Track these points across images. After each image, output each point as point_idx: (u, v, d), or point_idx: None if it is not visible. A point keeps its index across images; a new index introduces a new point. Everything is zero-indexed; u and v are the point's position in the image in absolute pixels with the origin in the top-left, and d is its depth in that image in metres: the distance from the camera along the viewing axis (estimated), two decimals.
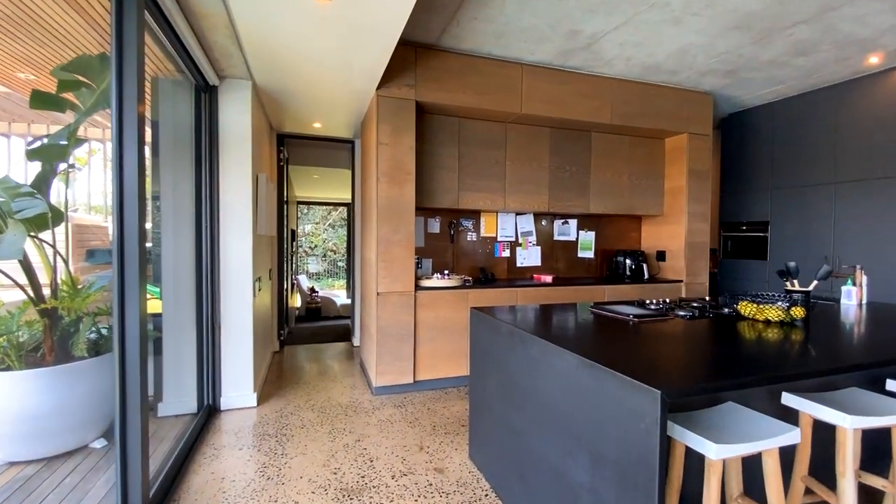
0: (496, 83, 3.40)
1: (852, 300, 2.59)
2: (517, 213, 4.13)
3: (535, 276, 4.11)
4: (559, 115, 3.59)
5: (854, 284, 2.59)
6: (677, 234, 4.19)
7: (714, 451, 1.19)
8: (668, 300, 2.55)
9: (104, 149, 2.63)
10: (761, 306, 1.99)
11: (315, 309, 7.16)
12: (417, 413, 2.91)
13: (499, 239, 4.08)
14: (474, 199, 3.64)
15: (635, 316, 2.02)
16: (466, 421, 2.78)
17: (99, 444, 2.30)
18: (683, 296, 4.11)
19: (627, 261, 4.20)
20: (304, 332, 5.76)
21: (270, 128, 4.22)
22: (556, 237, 4.29)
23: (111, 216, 1.70)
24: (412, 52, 3.16)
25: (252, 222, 3.01)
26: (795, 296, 2.21)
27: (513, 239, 4.13)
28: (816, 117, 3.99)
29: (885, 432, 1.74)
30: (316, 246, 13.76)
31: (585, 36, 3.05)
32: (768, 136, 4.41)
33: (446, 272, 3.50)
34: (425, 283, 3.37)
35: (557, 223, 4.30)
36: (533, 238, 4.20)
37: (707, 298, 2.65)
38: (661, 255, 4.39)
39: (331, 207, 13.18)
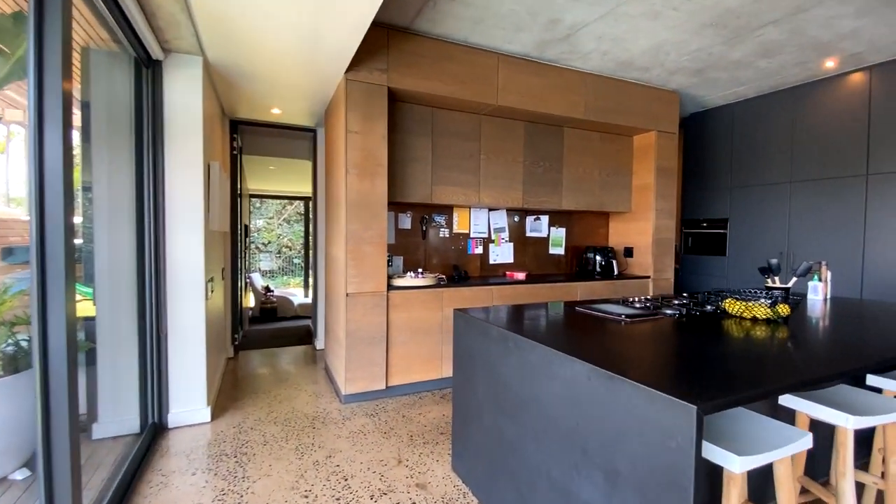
0: (472, 73, 3.24)
1: (818, 295, 2.67)
2: (490, 209, 4.01)
3: (507, 273, 4.02)
4: (534, 109, 3.49)
5: (820, 280, 2.68)
6: (645, 231, 4.24)
7: (738, 465, 1.11)
8: (648, 298, 2.51)
9: (28, 133, 2.23)
10: (749, 304, 1.97)
11: (271, 309, 6.74)
12: (392, 422, 2.73)
13: (472, 235, 3.95)
14: (448, 193, 3.48)
15: (627, 316, 1.94)
16: (445, 428, 2.63)
17: (20, 474, 1.94)
18: (651, 292, 4.17)
19: (597, 257, 4.20)
20: (260, 334, 5.38)
21: (223, 112, 3.84)
22: (528, 233, 4.22)
23: (31, 209, 1.39)
24: (384, 35, 2.94)
25: (204, 216, 2.69)
26: (775, 292, 2.23)
27: (486, 235, 4.01)
28: (774, 119, 4.16)
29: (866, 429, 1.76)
30: (270, 242, 13.09)
31: (565, 26, 2.96)
32: (728, 136, 4.56)
33: (420, 271, 3.32)
34: (398, 282, 3.17)
35: (529, 219, 4.22)
36: (506, 234, 4.10)
37: (686, 295, 2.65)
38: (628, 252, 4.43)
39: (286, 201, 12.55)
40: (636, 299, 2.43)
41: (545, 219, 4.29)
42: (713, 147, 4.70)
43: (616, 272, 4.20)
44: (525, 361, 1.57)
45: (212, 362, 2.96)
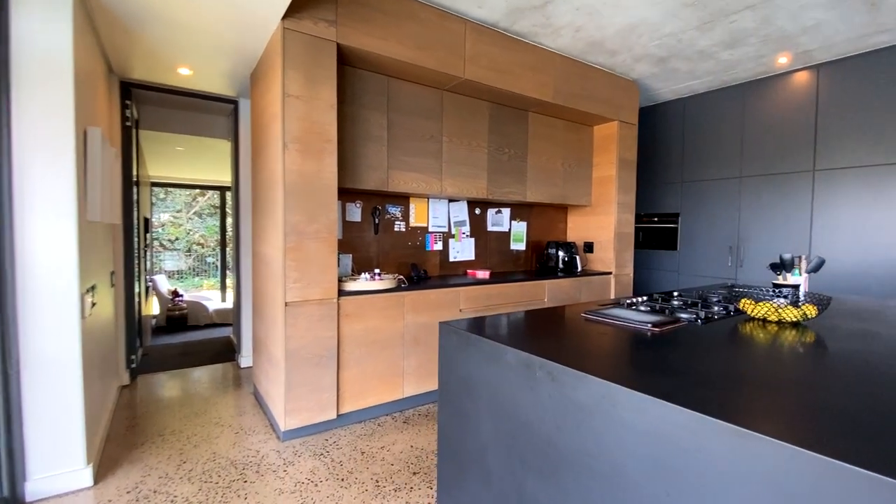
0: (437, 38, 2.76)
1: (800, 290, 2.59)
2: (450, 200, 3.57)
3: (469, 271, 3.61)
4: (504, 87, 3.10)
5: (800, 274, 2.61)
6: (606, 225, 4.07)
7: None
8: (645, 298, 2.24)
9: None
10: (780, 307, 1.74)
11: (180, 317, 5.70)
12: (349, 462, 2.18)
13: (430, 229, 3.48)
14: (407, 180, 2.97)
15: (653, 325, 1.61)
16: (418, 465, 2.15)
17: None
18: (612, 288, 4.02)
19: (560, 253, 3.95)
20: (166, 351, 4.43)
21: (109, 69, 2.96)
22: (489, 227, 3.85)
23: None
24: None
25: (76, 201, 1.92)
26: (785, 290, 2.04)
27: (445, 229, 3.56)
28: (724, 115, 4.19)
29: None
30: (177, 238, 11.46)
31: None
32: (678, 132, 4.56)
33: (376, 272, 2.78)
34: (351, 286, 2.61)
35: (491, 212, 3.85)
36: (466, 229, 3.69)
37: (676, 293, 2.42)
38: (588, 247, 4.25)
39: (197, 192, 11.05)
40: (637, 300, 2.13)
41: (507, 212, 3.94)
42: (664, 142, 4.69)
43: (580, 269, 3.99)
44: (567, 400, 1.15)
45: (94, 398, 2.19)
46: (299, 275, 2.35)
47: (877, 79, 3.28)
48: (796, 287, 2.04)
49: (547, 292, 3.52)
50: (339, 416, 2.54)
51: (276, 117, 2.39)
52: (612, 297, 4.02)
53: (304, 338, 2.37)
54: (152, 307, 5.65)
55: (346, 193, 3.03)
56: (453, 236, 3.61)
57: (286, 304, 2.32)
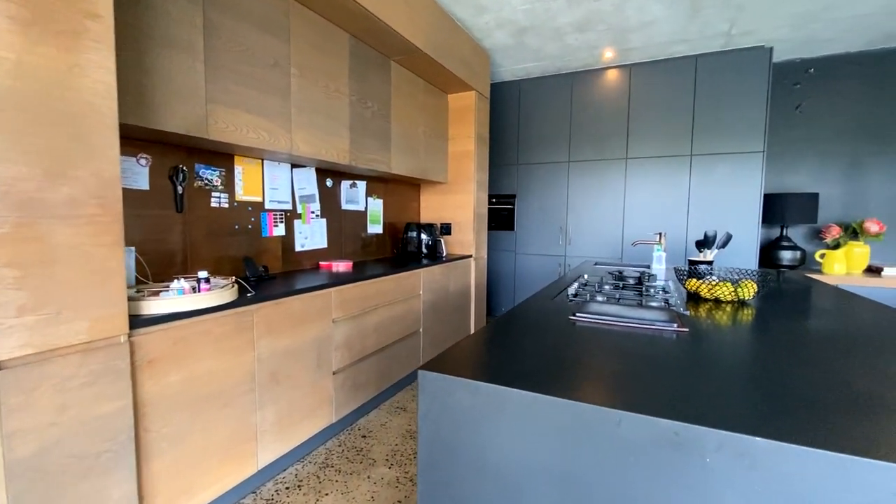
0: None
1: (662, 265, 2.79)
2: (293, 166, 2.54)
3: (322, 263, 2.69)
4: (372, 9, 2.29)
5: (664, 250, 2.81)
6: (465, 205, 3.74)
7: None
8: (606, 282, 1.93)
9: None
10: (737, 285, 1.65)
11: None
12: None
13: (267, 206, 2.39)
14: (240, 124, 1.87)
15: (670, 321, 1.25)
16: None
17: None
18: (473, 273, 3.75)
19: (423, 236, 3.42)
20: None
21: None
22: (343, 206, 2.97)
23: None
24: None
25: None
26: (701, 267, 2.04)
27: (289, 206, 2.53)
28: (554, 101, 4.40)
29: None
30: None
31: None
32: (515, 114, 4.60)
33: (202, 277, 1.61)
34: (154, 305, 1.42)
35: (345, 185, 2.97)
36: (316, 206, 2.72)
37: (618, 273, 2.22)
38: (446, 229, 3.86)
39: None
40: (583, 289, 1.79)
41: (362, 186, 3.13)
42: (502, 123, 4.67)
43: (444, 253, 3.55)
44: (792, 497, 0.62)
45: None
46: (33, 296, 1.08)
47: (670, 84, 3.91)
48: (710, 263, 2.07)
49: (423, 284, 2.94)
50: None
51: None
52: (473, 282, 3.75)
53: (55, 427, 1.13)
54: None
55: (124, 140, 1.69)
56: (300, 216, 2.60)
57: None
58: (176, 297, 1.47)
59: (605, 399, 0.74)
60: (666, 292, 1.83)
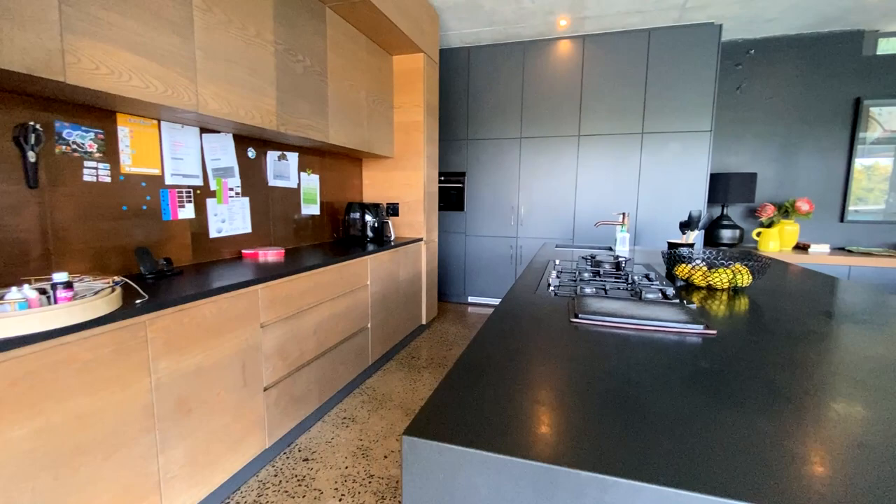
0: None
1: (626, 246, 2.65)
2: (204, 130, 2.01)
3: (246, 252, 2.22)
4: None
5: (627, 231, 2.67)
6: (415, 183, 3.38)
7: None
8: (607, 272, 1.69)
9: None
10: (734, 271, 1.48)
11: None
12: None
13: (169, 182, 1.87)
14: (114, 65, 1.36)
15: (693, 320, 1.04)
16: None
17: None
18: (424, 257, 3.42)
19: (368, 217, 3.02)
20: None
21: None
22: (271, 181, 2.48)
23: None
24: None
25: None
26: (684, 251, 1.89)
27: (200, 182, 2.01)
28: (506, 73, 4.12)
29: None
30: None
31: None
32: (465, 84, 4.26)
33: (63, 283, 1.12)
34: None
35: (272, 157, 2.48)
36: (236, 182, 2.22)
37: (591, 257, 2.00)
38: (393, 209, 3.47)
39: None
40: (586, 276, 1.55)
41: (294, 158, 2.65)
42: (451, 94, 4.31)
43: (392, 237, 3.17)
44: None
45: None
46: None
47: (623, 58, 3.77)
48: (692, 246, 1.92)
49: (370, 272, 2.56)
50: None
51: None
52: (424, 267, 3.43)
53: None
54: None
55: None
56: (215, 194, 2.10)
57: None
58: (15, 312, 0.99)
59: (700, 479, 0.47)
60: (651, 280, 1.65)
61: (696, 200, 3.71)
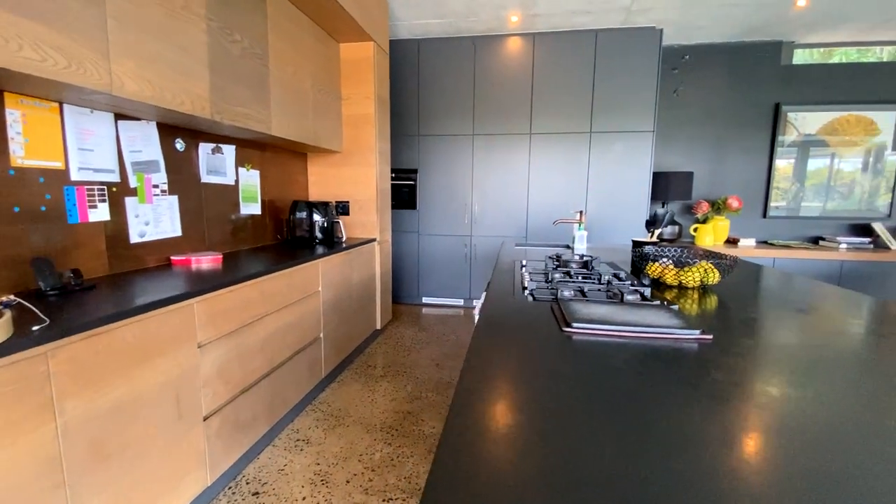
0: None
1: (584, 244, 2.66)
2: (121, 116, 1.71)
3: (175, 259, 1.94)
4: None
5: (585, 229, 2.67)
6: (366, 179, 3.19)
7: None
8: (586, 275, 1.61)
9: None
10: (704, 269, 1.49)
11: None
12: None
13: (75, 178, 1.55)
14: None
15: (690, 326, 0.99)
16: None
17: None
18: (378, 259, 3.24)
19: (316, 217, 2.79)
20: None
21: None
22: (204, 177, 2.19)
23: None
24: None
25: None
26: (647, 249, 1.89)
27: (116, 178, 1.71)
28: (457, 67, 4.02)
29: None
30: None
31: None
32: (415, 78, 4.11)
33: None
34: None
35: (205, 150, 2.18)
36: (162, 178, 1.92)
37: (557, 257, 1.94)
38: (343, 208, 3.26)
39: None
40: (557, 277, 1.48)
41: (230, 151, 2.36)
42: (401, 88, 4.14)
43: (343, 238, 2.96)
44: None
45: None
46: None
47: (572, 58, 3.82)
48: (656, 244, 1.93)
49: (322, 277, 2.35)
50: None
51: None
52: (379, 269, 3.25)
53: None
54: None
55: None
56: (135, 192, 1.79)
57: None
58: None
59: None
60: (622, 280, 1.62)
61: (640, 198, 3.86)
